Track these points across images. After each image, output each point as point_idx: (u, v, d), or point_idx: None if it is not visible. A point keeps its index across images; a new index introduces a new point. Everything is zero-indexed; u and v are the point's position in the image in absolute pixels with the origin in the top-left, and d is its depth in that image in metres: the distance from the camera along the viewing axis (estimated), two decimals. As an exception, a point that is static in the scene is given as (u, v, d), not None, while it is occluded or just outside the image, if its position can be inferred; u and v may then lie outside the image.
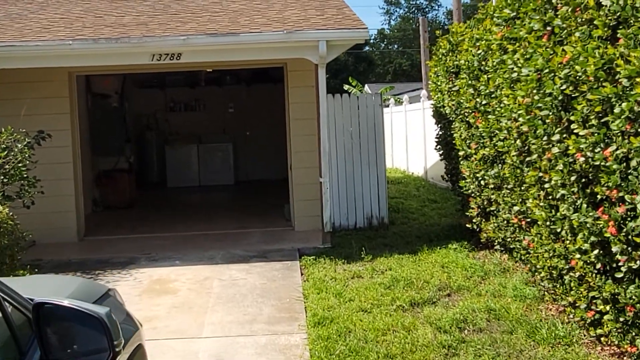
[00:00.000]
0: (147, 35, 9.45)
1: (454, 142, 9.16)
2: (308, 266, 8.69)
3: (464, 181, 8.59)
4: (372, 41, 62.09)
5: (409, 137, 19.70)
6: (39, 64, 9.49)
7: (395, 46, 67.49)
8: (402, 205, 13.44)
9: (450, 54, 9.11)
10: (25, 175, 8.76)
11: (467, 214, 8.92)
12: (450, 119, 9.27)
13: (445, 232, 10.19)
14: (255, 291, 7.68)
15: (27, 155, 8.83)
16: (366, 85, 38.52)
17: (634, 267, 4.50)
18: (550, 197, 5.73)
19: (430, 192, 15.28)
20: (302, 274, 8.39)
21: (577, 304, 5.54)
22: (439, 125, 10.38)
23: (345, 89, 30.10)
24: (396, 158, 21.39)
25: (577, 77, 4.70)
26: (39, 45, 9.19)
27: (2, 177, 8.67)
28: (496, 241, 8.12)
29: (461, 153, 8.64)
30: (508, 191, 6.98)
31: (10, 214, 8.03)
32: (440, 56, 9.67)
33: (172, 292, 7.82)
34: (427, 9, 69.86)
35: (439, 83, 9.91)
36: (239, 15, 10.76)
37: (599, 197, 4.80)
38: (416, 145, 18.73)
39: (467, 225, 9.01)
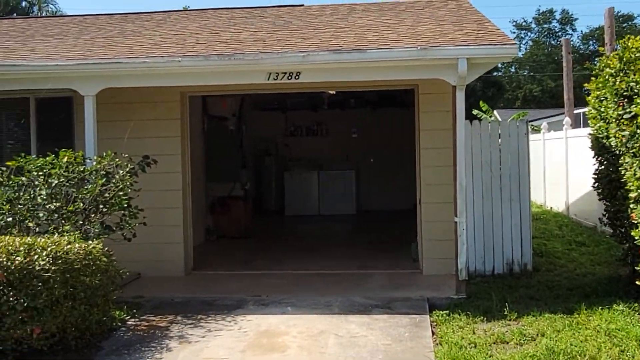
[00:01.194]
0: (263, 51, 8.44)
1: (621, 180, 7.59)
2: (440, 323, 7.34)
3: (637, 230, 6.98)
4: (500, 65, 59.68)
5: (548, 168, 17.92)
6: (146, 82, 8.66)
7: (525, 71, 64.86)
8: (545, 247, 11.80)
9: (620, 74, 7.55)
10: (125, 205, 7.90)
11: (638, 268, 7.29)
12: (618, 152, 7.70)
13: (604, 286, 8.55)
14: (378, 355, 6.39)
15: (128, 183, 7.99)
16: (495, 111, 36.57)
17: None
18: None
19: (575, 231, 13.51)
20: (433, 334, 7.03)
21: None
22: (599, 159, 8.78)
23: (475, 114, 28.43)
24: (532, 190, 19.55)
25: None
26: (146, 62, 8.37)
27: (101, 207, 7.85)
28: (679, 306, 6.48)
29: (633, 195, 7.06)
30: None
31: (106, 248, 7.17)
32: (606, 77, 8.09)
33: (280, 349, 6.67)
34: (560, 33, 66.79)
35: (602, 109, 8.34)
36: (366, 31, 9.62)
37: None
38: (556, 178, 16.93)
39: (637, 282, 7.37)
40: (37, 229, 7.62)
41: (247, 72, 8.48)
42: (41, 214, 7.65)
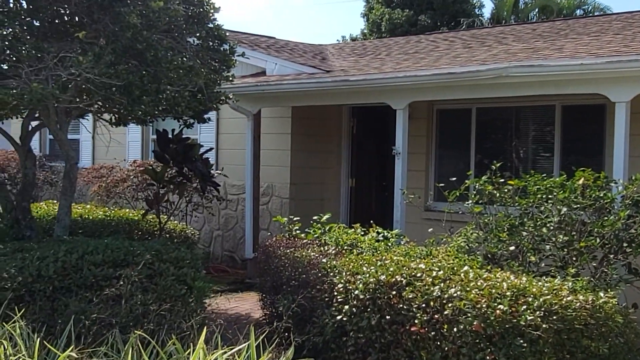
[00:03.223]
0: None
1: None
2: None
3: None
4: None
5: None
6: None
7: None
8: None
9: None
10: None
11: None
12: None
13: None
14: None
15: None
16: None
17: None
18: None
19: None
20: None
21: None
22: None
23: None
24: None
25: None
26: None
27: (624, 245, 6.04)
28: None
29: None
30: None
31: (623, 304, 5.38)
32: None
33: None
34: None
35: None
36: None
37: None
38: None
39: None
40: (542, 264, 6.23)
41: None
42: (547, 247, 6.22)
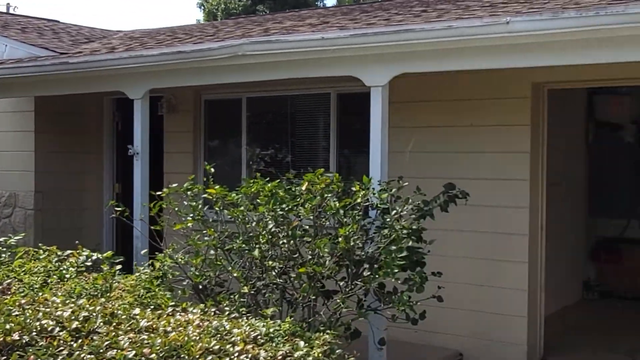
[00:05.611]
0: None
1: None
2: None
3: None
4: None
5: None
6: (454, 63, 5.20)
7: None
8: None
9: None
10: (398, 268, 4.62)
11: None
12: None
13: None
14: None
15: (408, 231, 4.70)
16: None
17: None
18: None
19: None
20: None
21: None
22: None
23: None
24: None
25: None
26: (452, 28, 4.90)
27: (364, 267, 4.70)
28: None
29: None
30: None
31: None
32: None
33: None
34: None
35: None
36: None
37: None
38: None
39: None
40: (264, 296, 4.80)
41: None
42: (256, 274, 4.79)
